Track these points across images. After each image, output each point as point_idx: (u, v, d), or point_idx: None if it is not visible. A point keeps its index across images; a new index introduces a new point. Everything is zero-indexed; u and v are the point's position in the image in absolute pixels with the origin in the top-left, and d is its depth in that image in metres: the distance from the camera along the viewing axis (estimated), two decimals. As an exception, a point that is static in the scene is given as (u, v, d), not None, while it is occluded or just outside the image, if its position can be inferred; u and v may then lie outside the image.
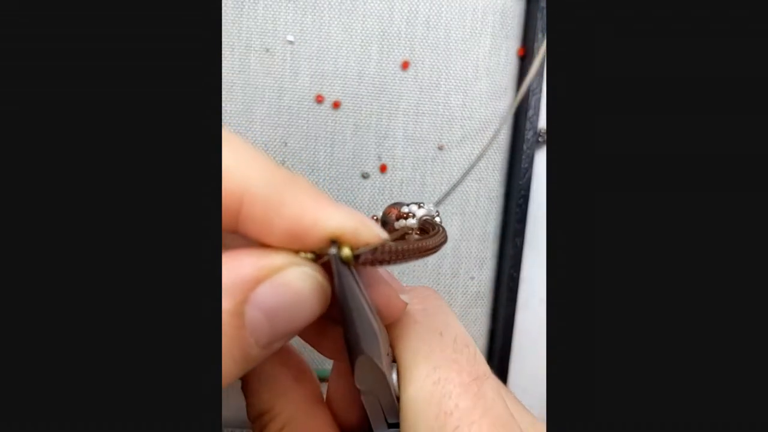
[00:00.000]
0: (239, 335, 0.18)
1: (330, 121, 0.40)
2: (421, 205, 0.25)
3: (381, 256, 0.19)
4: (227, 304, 0.18)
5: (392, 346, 0.23)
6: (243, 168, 0.19)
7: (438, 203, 0.24)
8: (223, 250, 0.19)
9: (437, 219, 0.24)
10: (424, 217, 0.24)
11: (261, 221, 0.19)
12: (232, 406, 0.43)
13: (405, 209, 0.25)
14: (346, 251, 0.19)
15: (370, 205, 0.42)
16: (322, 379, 0.27)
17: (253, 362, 0.19)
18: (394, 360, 0.23)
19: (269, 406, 0.25)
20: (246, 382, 0.26)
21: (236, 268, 0.18)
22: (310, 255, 0.19)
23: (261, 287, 0.18)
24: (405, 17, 0.40)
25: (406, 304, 0.22)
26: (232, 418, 0.43)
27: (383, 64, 0.40)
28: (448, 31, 0.41)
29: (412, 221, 0.24)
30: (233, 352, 0.18)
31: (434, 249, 0.22)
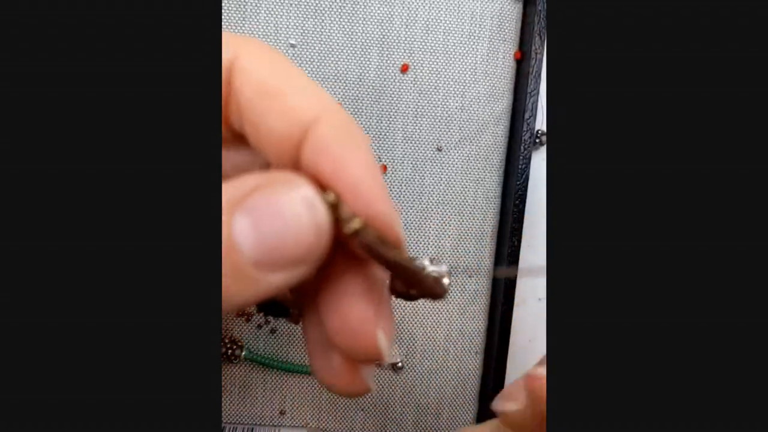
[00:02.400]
0: (227, 238, 0.17)
1: (331, 123, 0.40)
2: (434, 261, 0.23)
3: (380, 251, 0.18)
4: (224, 206, 0.17)
5: None
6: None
7: (451, 268, 0.22)
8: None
9: (445, 280, 0.22)
10: (433, 273, 0.22)
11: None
12: (234, 404, 0.42)
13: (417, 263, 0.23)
14: (357, 223, 0.18)
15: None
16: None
17: (249, 285, 0.17)
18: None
19: None
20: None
21: (242, 180, 0.18)
22: (332, 197, 0.18)
23: (252, 195, 0.17)
24: (404, 21, 0.40)
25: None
26: (233, 414, 0.43)
27: (383, 68, 0.40)
28: (446, 34, 0.40)
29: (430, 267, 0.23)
30: (225, 266, 0.17)
31: (428, 287, 0.20)
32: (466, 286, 0.43)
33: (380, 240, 0.19)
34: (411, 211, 0.42)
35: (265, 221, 0.17)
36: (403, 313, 0.43)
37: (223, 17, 0.38)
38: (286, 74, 0.20)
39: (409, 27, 0.40)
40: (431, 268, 0.21)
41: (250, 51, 0.20)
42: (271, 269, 0.17)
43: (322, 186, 0.19)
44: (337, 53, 0.39)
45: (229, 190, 0.18)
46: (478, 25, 0.40)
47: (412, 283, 0.20)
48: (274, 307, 0.28)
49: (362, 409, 0.43)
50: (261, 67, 0.20)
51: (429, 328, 0.43)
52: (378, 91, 0.40)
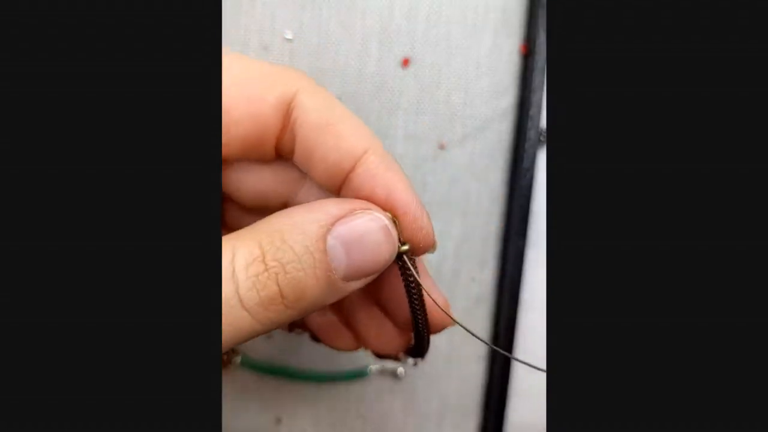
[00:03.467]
0: (323, 259, 0.23)
1: (329, 119, 0.41)
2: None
3: (412, 271, 0.26)
4: (315, 229, 0.23)
5: None
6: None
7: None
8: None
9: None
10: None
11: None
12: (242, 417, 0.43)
13: None
14: (405, 247, 0.25)
15: (369, 205, 0.42)
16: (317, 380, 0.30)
17: (335, 293, 0.24)
18: None
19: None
20: None
21: (322, 207, 0.24)
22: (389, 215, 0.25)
23: (339, 223, 0.23)
24: (405, 14, 0.41)
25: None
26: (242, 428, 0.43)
27: (383, 62, 0.41)
28: (449, 27, 0.41)
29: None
30: (318, 274, 0.23)
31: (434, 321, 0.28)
32: (470, 291, 0.44)
33: (413, 264, 0.26)
34: (412, 211, 0.42)
35: (354, 248, 0.23)
36: (404, 317, 0.43)
37: (217, 10, 0.39)
38: (339, 112, 0.26)
39: (410, 19, 0.41)
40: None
41: (308, 88, 0.26)
42: (355, 280, 0.24)
43: (384, 209, 0.25)
44: (336, 46, 0.40)
45: (315, 217, 0.23)
46: (482, 18, 0.41)
47: (421, 313, 0.27)
48: None
49: (362, 417, 0.44)
50: (318, 104, 0.25)
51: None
52: (378, 85, 0.41)
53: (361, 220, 0.24)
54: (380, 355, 0.34)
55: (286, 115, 0.25)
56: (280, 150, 0.27)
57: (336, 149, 0.25)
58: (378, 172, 0.25)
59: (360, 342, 0.33)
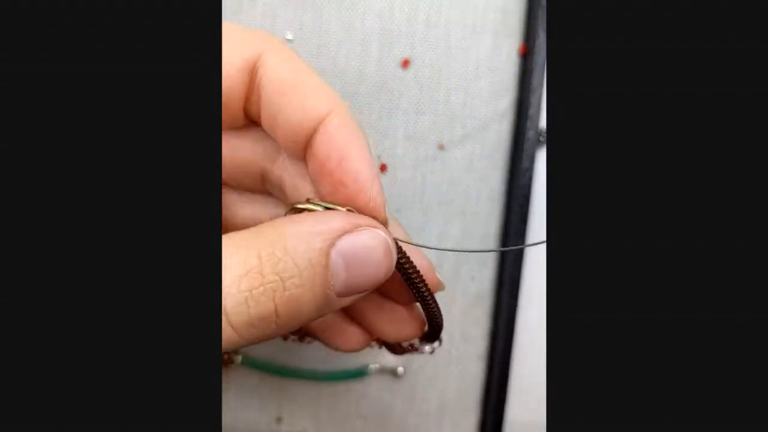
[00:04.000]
0: (324, 273, 0.22)
1: (329, 119, 0.41)
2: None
3: (412, 276, 0.26)
4: (319, 243, 0.22)
5: None
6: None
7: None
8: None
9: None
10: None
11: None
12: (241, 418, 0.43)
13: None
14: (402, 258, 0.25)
15: (369, 205, 0.42)
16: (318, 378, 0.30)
17: (328, 308, 0.23)
18: None
19: None
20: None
21: (328, 220, 0.23)
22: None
23: (343, 238, 0.23)
24: (405, 15, 0.41)
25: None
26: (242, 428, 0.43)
27: (383, 63, 0.41)
28: (448, 28, 0.41)
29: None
30: (316, 290, 0.22)
31: (430, 302, 0.27)
32: (469, 289, 0.44)
33: (413, 269, 0.25)
34: (412, 211, 0.42)
35: (355, 265, 0.23)
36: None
37: (218, 11, 0.39)
38: (304, 73, 0.25)
39: (410, 20, 0.41)
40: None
41: (273, 49, 0.24)
42: (347, 296, 0.24)
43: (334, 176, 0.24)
44: (336, 47, 0.40)
45: (318, 230, 0.23)
46: (481, 19, 0.41)
47: (427, 293, 0.27)
48: None
49: (362, 416, 0.44)
50: (282, 65, 0.24)
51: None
52: (378, 86, 0.41)
53: (365, 237, 0.23)
54: (396, 350, 0.32)
55: (252, 76, 0.24)
56: (249, 113, 0.26)
57: (299, 110, 0.24)
58: (336, 135, 0.24)
59: (370, 336, 0.31)
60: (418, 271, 0.26)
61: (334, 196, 0.24)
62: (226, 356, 0.41)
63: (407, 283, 0.26)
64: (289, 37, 0.40)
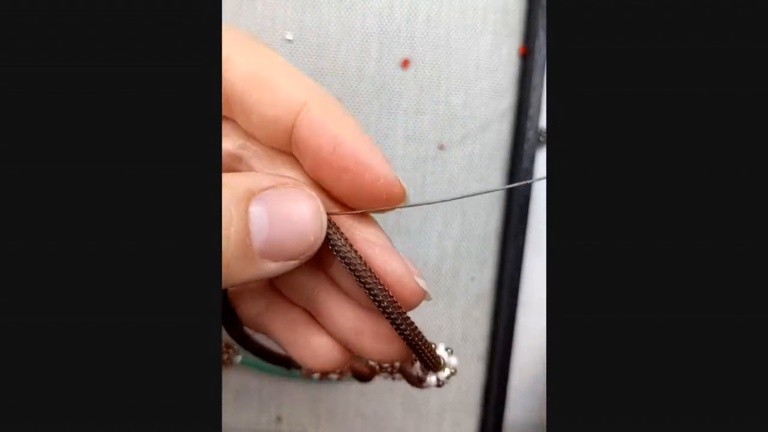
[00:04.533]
0: (241, 218, 0.21)
1: (329, 120, 0.41)
2: (448, 350, 0.27)
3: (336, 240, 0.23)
4: (242, 191, 0.21)
5: None
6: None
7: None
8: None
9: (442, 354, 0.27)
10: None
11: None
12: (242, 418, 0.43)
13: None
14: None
15: (369, 205, 0.42)
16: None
17: (249, 269, 0.21)
18: None
19: (314, 281, 0.27)
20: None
21: (259, 175, 0.22)
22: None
23: (269, 190, 0.22)
24: (405, 15, 0.41)
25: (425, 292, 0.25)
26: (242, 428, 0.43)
27: (383, 63, 0.41)
28: (448, 28, 0.41)
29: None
30: (231, 235, 0.20)
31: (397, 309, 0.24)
32: (469, 290, 0.44)
33: (352, 252, 0.23)
34: (412, 211, 0.42)
35: (278, 221, 0.21)
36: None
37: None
38: (274, 65, 0.23)
39: (410, 20, 0.41)
40: (441, 350, 0.27)
41: (238, 44, 0.23)
42: (272, 260, 0.22)
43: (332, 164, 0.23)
44: (335, 47, 0.40)
45: (245, 181, 0.22)
46: (481, 19, 0.41)
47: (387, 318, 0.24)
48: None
49: (362, 416, 0.44)
50: (250, 60, 0.23)
51: (430, 334, 0.44)
52: (377, 86, 0.41)
53: (292, 192, 0.22)
54: (413, 381, 0.28)
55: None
56: (223, 113, 0.24)
57: (272, 105, 0.22)
58: (320, 123, 0.22)
59: (344, 351, 0.27)
60: (365, 264, 0.23)
61: (339, 187, 0.23)
62: (225, 356, 0.41)
63: (353, 277, 0.23)
64: (289, 37, 0.40)
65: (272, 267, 0.22)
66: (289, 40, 0.40)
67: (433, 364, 0.26)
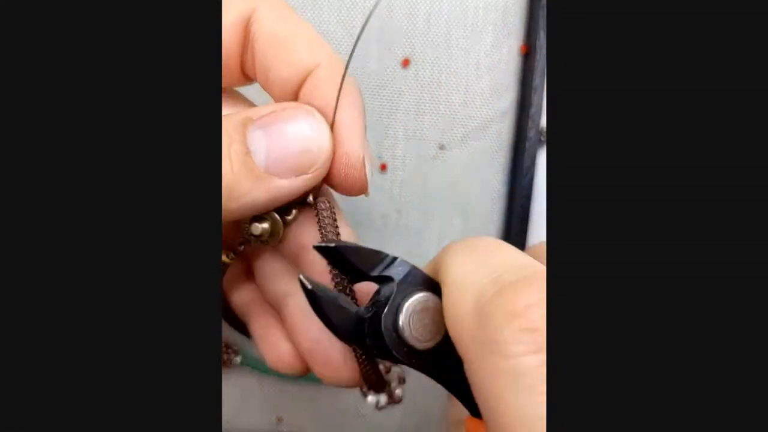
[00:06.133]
0: (239, 141, 0.22)
1: (329, 119, 0.41)
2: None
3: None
4: (239, 118, 0.22)
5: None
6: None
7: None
8: None
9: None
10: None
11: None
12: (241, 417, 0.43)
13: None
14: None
15: (368, 206, 0.42)
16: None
17: (261, 186, 0.22)
18: None
19: (288, 288, 0.27)
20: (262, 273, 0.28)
21: (258, 107, 0.23)
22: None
23: (267, 116, 0.22)
24: (405, 13, 0.41)
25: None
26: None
27: (383, 62, 0.41)
28: (449, 27, 0.41)
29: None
30: (233, 158, 0.21)
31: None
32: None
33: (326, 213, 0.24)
34: (412, 211, 0.42)
35: (275, 133, 0.22)
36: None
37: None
38: (295, 26, 0.24)
39: (410, 19, 0.41)
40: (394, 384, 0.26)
41: (266, 3, 0.24)
42: (279, 176, 0.22)
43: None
44: (336, 46, 0.40)
45: (248, 111, 0.23)
46: (482, 18, 0.41)
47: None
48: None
49: (362, 416, 0.44)
50: (274, 19, 0.24)
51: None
52: (378, 86, 0.41)
53: (289, 110, 0.23)
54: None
55: (247, 31, 0.24)
56: (245, 70, 0.26)
57: (288, 64, 0.24)
58: (321, 86, 0.23)
59: (303, 360, 0.28)
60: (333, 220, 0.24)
61: None
62: (225, 357, 0.41)
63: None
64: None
65: (283, 184, 0.22)
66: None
67: (375, 385, 0.26)
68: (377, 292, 0.23)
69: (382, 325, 0.22)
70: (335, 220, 0.24)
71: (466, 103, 0.42)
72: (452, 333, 0.20)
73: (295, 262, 0.26)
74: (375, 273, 0.22)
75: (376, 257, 0.22)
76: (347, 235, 0.25)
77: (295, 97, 0.24)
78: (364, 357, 0.25)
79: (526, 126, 0.41)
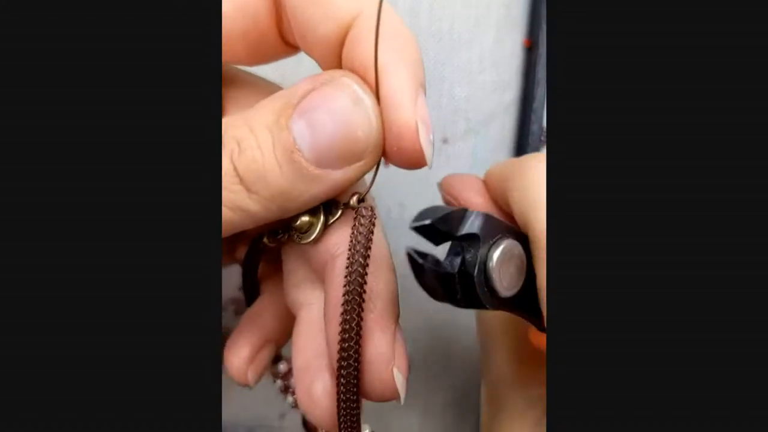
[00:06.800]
0: (283, 136, 0.19)
1: (331, 114, 0.41)
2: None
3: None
4: (278, 107, 0.20)
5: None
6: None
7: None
8: None
9: None
10: None
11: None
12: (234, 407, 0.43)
13: None
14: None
15: (371, 199, 0.42)
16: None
17: (309, 182, 0.20)
18: None
19: (303, 298, 0.26)
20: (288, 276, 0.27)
21: (297, 85, 0.20)
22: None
23: (305, 100, 0.20)
24: (408, 7, 0.40)
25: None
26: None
27: (386, 56, 0.41)
28: (452, 21, 0.41)
29: None
30: (278, 154, 0.19)
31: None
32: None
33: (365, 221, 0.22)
34: (413, 207, 0.42)
35: (317, 122, 0.19)
36: (407, 313, 0.43)
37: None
38: None
39: (413, 13, 0.40)
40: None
41: None
42: (332, 167, 0.20)
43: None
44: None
45: (284, 96, 0.20)
46: (485, 12, 0.41)
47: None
48: None
49: (363, 414, 0.44)
50: None
51: (434, 328, 0.44)
52: (380, 80, 0.41)
53: (324, 89, 0.20)
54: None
55: None
56: (286, 38, 0.23)
57: (323, 18, 0.21)
58: (362, 42, 0.20)
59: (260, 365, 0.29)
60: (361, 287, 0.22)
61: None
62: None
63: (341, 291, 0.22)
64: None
65: (338, 175, 0.20)
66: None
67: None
68: (459, 247, 0.24)
69: (476, 284, 0.23)
70: (371, 232, 0.22)
71: (469, 98, 0.42)
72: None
73: (320, 270, 0.24)
74: (461, 233, 0.23)
75: (458, 217, 0.24)
76: (381, 247, 0.23)
77: (338, 57, 0.21)
78: (346, 402, 0.24)
79: (530, 120, 0.41)
